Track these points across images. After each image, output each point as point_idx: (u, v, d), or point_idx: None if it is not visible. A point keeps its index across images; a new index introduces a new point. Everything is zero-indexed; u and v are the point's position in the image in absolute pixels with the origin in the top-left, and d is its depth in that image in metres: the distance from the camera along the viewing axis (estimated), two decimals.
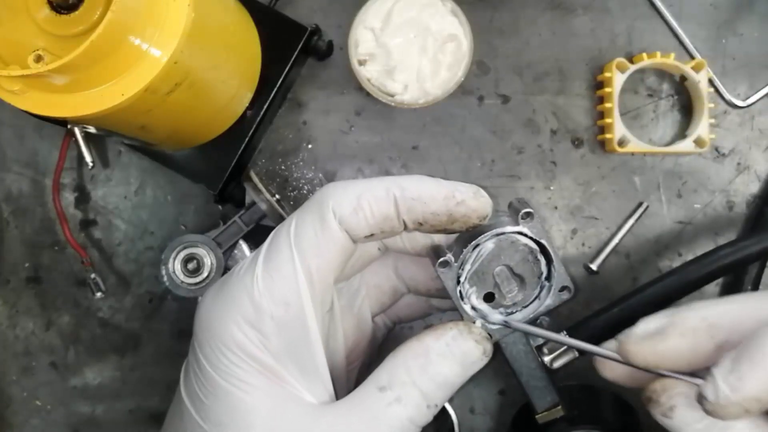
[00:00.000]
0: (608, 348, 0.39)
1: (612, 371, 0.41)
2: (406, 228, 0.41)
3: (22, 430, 0.62)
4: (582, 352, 0.47)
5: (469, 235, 0.42)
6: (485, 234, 0.41)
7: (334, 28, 0.61)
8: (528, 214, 0.41)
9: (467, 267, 0.42)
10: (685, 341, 0.36)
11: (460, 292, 0.42)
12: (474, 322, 0.42)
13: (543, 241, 0.42)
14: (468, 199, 0.40)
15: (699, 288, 0.51)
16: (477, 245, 0.42)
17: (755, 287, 0.59)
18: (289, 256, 0.40)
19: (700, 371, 0.36)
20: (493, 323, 0.43)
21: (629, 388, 0.41)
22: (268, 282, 0.40)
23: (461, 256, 0.42)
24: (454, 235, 0.44)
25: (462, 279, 0.42)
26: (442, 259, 0.41)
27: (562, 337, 0.43)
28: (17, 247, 0.62)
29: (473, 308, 0.43)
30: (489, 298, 0.43)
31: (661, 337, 0.36)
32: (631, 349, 0.37)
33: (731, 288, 0.60)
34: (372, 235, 0.41)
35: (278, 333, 0.39)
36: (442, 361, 0.40)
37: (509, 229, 0.42)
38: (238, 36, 0.54)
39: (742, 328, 0.35)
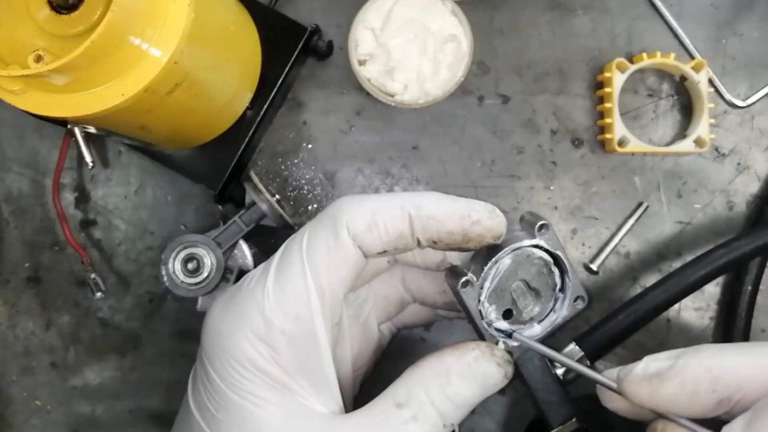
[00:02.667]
0: (610, 377, 0.38)
1: (612, 402, 0.40)
2: (419, 245, 0.41)
3: (22, 430, 0.62)
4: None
5: (486, 251, 0.41)
6: (504, 249, 0.41)
7: (334, 28, 0.61)
8: (543, 226, 0.41)
9: (486, 285, 0.41)
10: (684, 390, 0.35)
11: (480, 311, 0.41)
12: (497, 343, 0.41)
13: (559, 253, 0.41)
14: (483, 219, 0.40)
15: (699, 288, 0.51)
16: (496, 261, 0.41)
17: (755, 287, 0.59)
18: (301, 271, 0.39)
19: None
20: (512, 341, 0.42)
21: (632, 419, 0.39)
22: (279, 297, 0.39)
23: (482, 274, 0.41)
24: (468, 252, 0.43)
25: (482, 298, 0.41)
26: (464, 279, 0.40)
27: (573, 363, 0.41)
28: (17, 247, 0.62)
29: (490, 325, 0.42)
30: (507, 315, 0.42)
31: (660, 382, 0.35)
32: (629, 388, 0.36)
33: (732, 287, 0.60)
34: (385, 251, 0.40)
35: (288, 347, 0.39)
36: (462, 382, 0.39)
37: (527, 242, 0.41)
38: (238, 36, 0.54)
39: (747, 386, 0.34)
